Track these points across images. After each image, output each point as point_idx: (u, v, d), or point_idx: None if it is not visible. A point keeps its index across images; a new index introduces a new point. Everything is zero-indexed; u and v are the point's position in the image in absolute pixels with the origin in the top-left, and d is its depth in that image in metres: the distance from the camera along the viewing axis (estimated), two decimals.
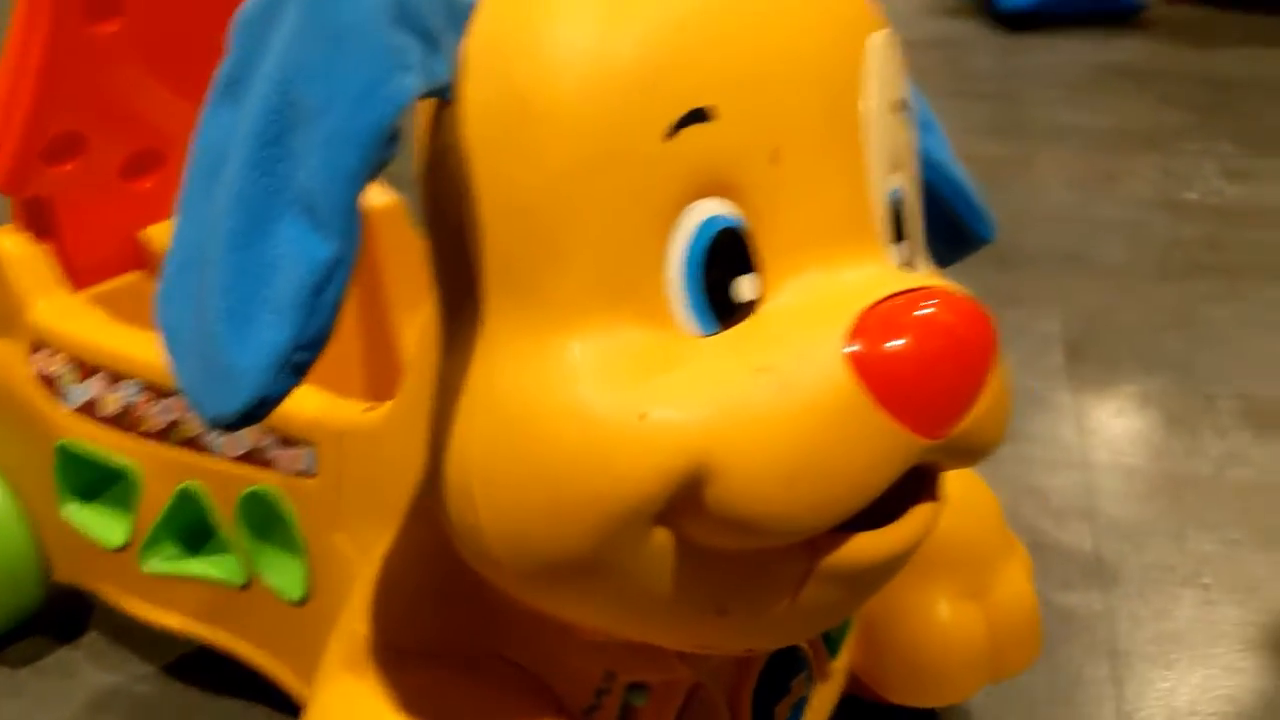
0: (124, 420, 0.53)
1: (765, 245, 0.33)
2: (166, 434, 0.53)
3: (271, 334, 0.31)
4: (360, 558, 0.45)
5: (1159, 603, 0.63)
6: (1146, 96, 1.41)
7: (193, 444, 0.52)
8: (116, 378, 0.53)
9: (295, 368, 0.31)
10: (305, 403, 0.48)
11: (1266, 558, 0.66)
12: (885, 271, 0.34)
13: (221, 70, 0.33)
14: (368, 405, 0.46)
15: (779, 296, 0.33)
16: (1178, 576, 0.65)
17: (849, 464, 0.31)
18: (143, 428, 0.53)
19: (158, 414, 0.53)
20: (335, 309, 0.31)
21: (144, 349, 0.53)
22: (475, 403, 0.33)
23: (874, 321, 0.31)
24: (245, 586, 0.52)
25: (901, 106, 0.37)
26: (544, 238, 0.32)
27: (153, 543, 0.55)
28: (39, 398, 0.56)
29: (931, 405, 0.31)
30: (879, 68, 0.35)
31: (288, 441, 0.49)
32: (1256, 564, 0.66)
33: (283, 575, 0.52)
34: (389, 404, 0.44)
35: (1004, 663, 0.51)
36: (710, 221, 0.32)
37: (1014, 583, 0.50)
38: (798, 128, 0.33)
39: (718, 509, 0.31)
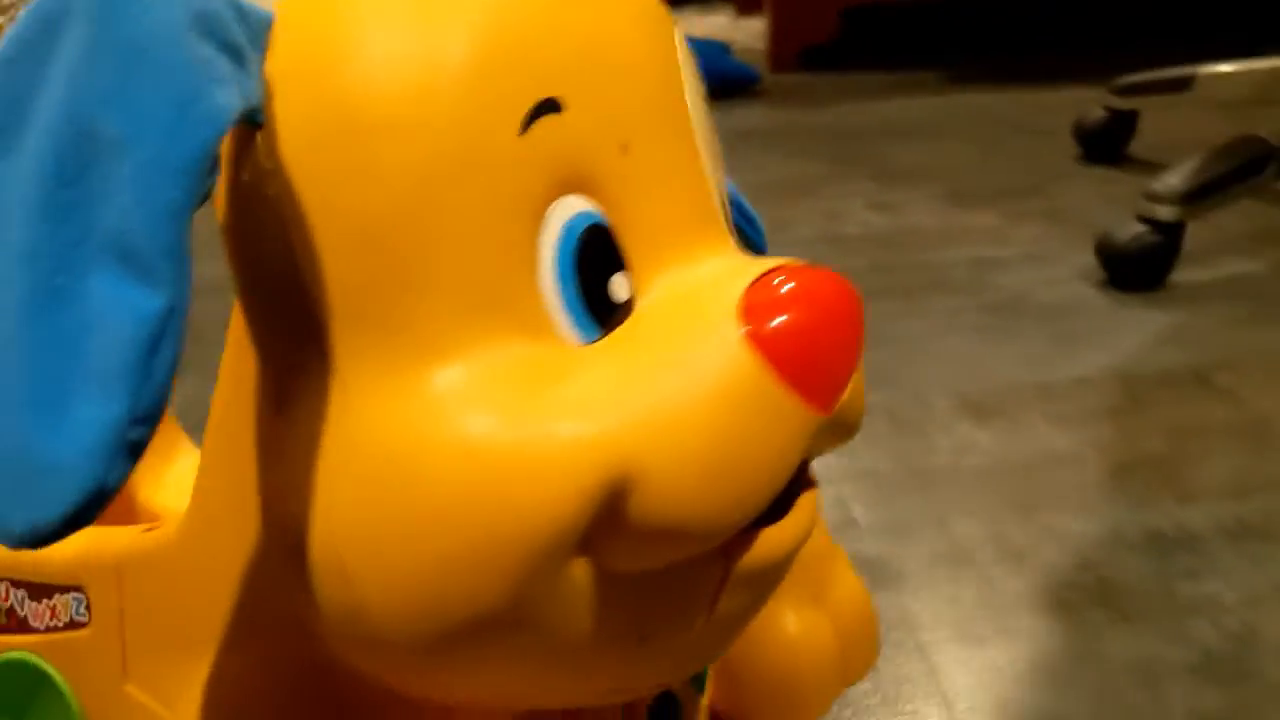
0: None
1: (628, 241, 0.31)
2: None
3: (97, 410, 0.25)
4: (164, 707, 0.39)
5: (946, 589, 0.66)
6: (782, 152, 1.53)
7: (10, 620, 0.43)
8: None
9: (132, 448, 0.25)
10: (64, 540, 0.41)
11: (1022, 529, 0.71)
12: (743, 258, 0.33)
13: None
14: (145, 525, 0.40)
15: (650, 293, 0.31)
16: (954, 561, 0.68)
17: (762, 450, 0.29)
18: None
19: None
20: (172, 371, 0.26)
21: None
22: (334, 463, 0.29)
23: (759, 301, 0.30)
24: None
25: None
26: (396, 263, 0.28)
27: None
28: None
29: (825, 376, 0.31)
30: (687, 62, 0.35)
31: (42, 592, 0.41)
32: (1016, 536, 0.70)
33: None
34: (176, 516, 0.38)
35: (851, 666, 0.50)
36: (577, 219, 0.30)
37: (847, 579, 0.50)
38: (641, 118, 0.31)
39: (641, 521, 0.28)
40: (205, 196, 0.26)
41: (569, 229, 0.30)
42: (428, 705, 0.35)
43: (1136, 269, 1.01)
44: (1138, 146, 1.42)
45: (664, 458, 0.28)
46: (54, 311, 0.26)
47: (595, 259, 0.31)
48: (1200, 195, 1.01)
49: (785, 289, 0.31)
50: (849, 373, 0.32)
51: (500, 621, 0.29)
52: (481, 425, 0.28)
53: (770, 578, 0.33)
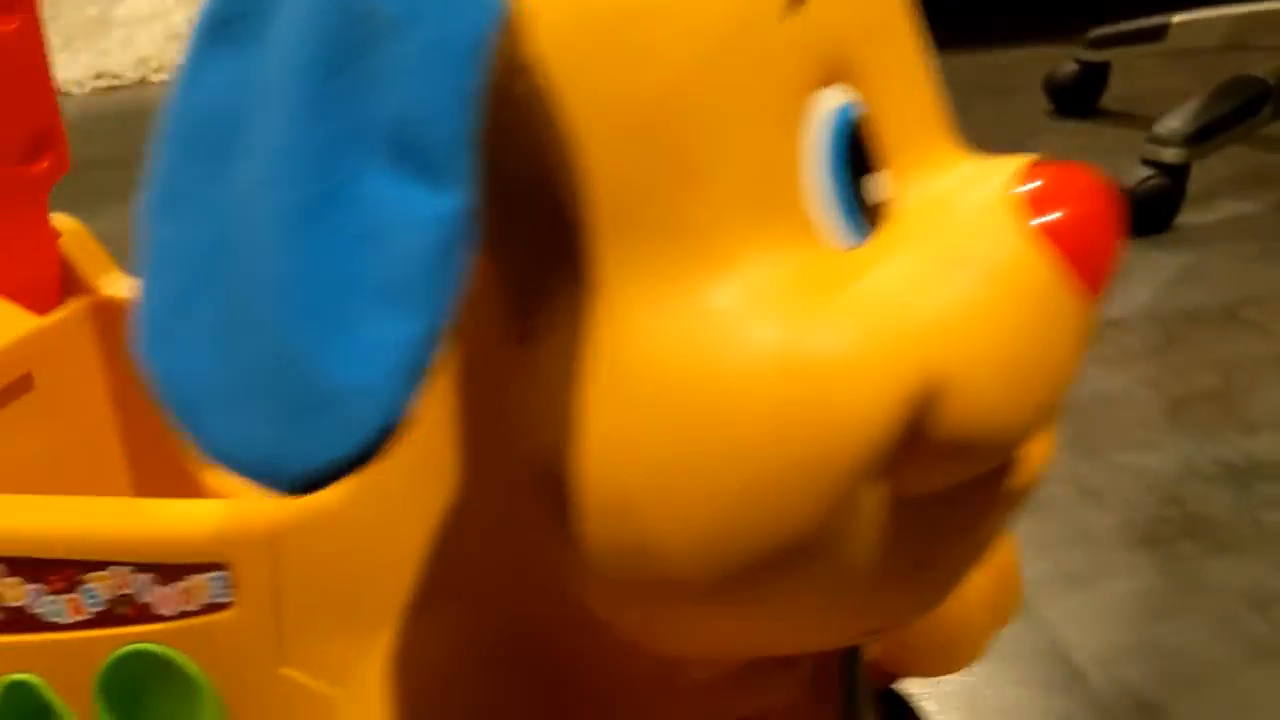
0: None
1: (886, 137, 0.29)
2: None
3: (389, 328, 0.22)
4: (335, 688, 0.35)
5: (1035, 533, 0.64)
6: None
7: (18, 623, 0.39)
8: None
9: (423, 372, 0.22)
10: (192, 514, 0.37)
11: (1095, 469, 0.70)
12: (992, 157, 0.31)
13: (208, 10, 0.24)
14: None
15: (907, 192, 0.29)
16: (1035, 505, 0.67)
17: (1057, 350, 0.27)
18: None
19: None
20: (461, 283, 0.23)
21: None
22: (606, 391, 0.26)
23: (1041, 195, 0.28)
24: None
25: None
26: (673, 155, 0.25)
27: None
28: None
29: (1103, 270, 0.29)
30: None
31: (172, 574, 0.38)
32: (1091, 476, 0.69)
33: None
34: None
35: (1001, 608, 0.49)
36: (841, 111, 0.27)
37: None
38: (885, 10, 0.29)
39: (943, 433, 0.26)
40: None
41: (834, 122, 0.27)
42: (641, 670, 0.32)
43: (1145, 213, 1.01)
44: (1108, 99, 1.44)
45: (966, 363, 0.26)
46: (327, 218, 0.22)
47: (855, 156, 0.28)
48: (1203, 136, 1.02)
49: (1062, 183, 0.29)
50: (1115, 267, 0.30)
51: (799, 553, 0.26)
52: (781, 335, 0.25)
53: (1028, 496, 0.32)
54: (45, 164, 0.51)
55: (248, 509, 0.37)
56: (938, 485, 0.27)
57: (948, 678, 0.53)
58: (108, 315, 0.55)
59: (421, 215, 0.22)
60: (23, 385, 0.50)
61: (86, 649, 0.38)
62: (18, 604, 0.39)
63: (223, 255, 0.23)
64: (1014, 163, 0.30)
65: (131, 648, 0.38)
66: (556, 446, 0.26)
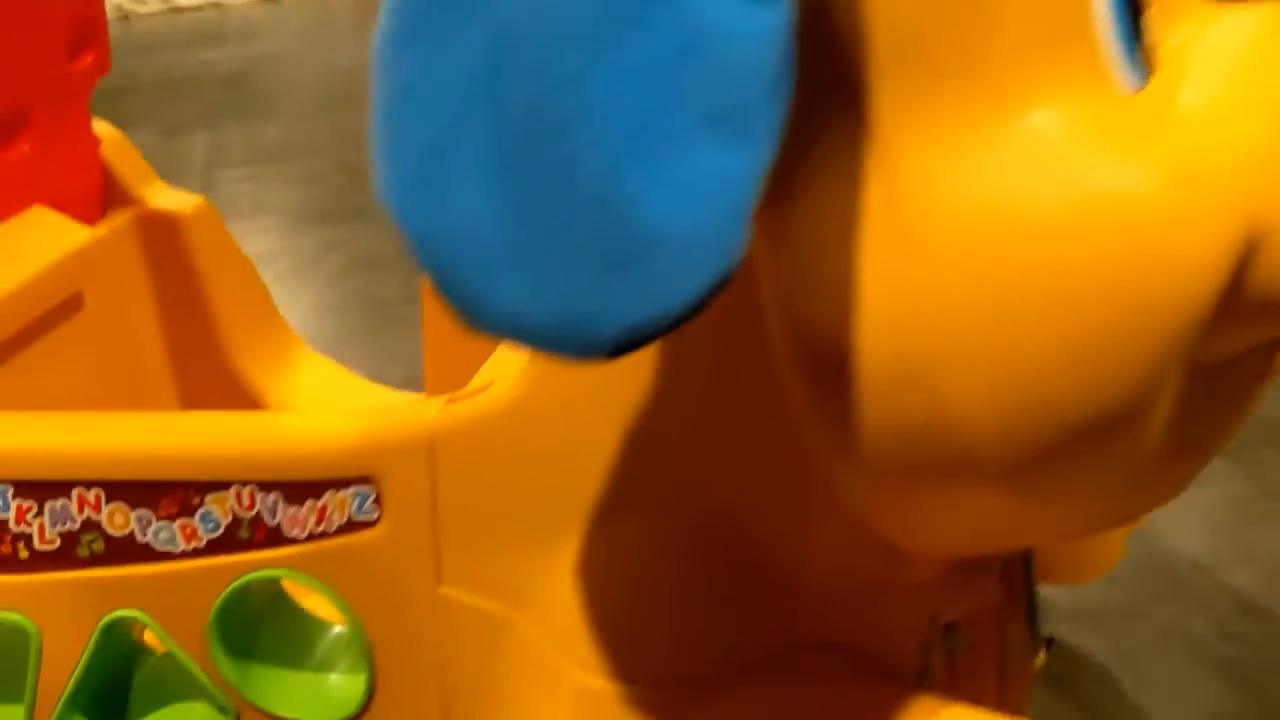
0: None
1: None
2: (68, 553, 0.35)
3: (720, 159, 0.19)
4: (506, 607, 0.32)
5: None
6: None
7: (119, 554, 0.35)
8: None
9: (753, 212, 0.19)
10: (333, 426, 0.34)
11: None
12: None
13: None
14: (452, 395, 0.33)
15: (1168, 36, 0.26)
16: None
17: None
18: (24, 555, 0.35)
19: (51, 525, 0.35)
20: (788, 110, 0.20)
21: (6, 429, 0.36)
22: (896, 242, 0.23)
23: None
24: None
25: None
26: None
27: None
28: None
29: None
30: None
31: (305, 492, 0.34)
32: None
33: (313, 693, 0.37)
34: (517, 370, 0.31)
35: None
36: None
37: None
38: None
39: (1266, 286, 0.24)
40: None
41: None
42: (854, 574, 0.30)
43: None
44: None
45: None
46: (640, 29, 0.19)
47: None
48: None
49: None
50: None
51: (1113, 425, 0.23)
52: (1100, 176, 0.22)
53: None
54: (88, 60, 0.46)
55: (397, 417, 0.33)
56: (1238, 348, 0.25)
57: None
58: (153, 229, 0.51)
59: (750, 27, 0.19)
60: (73, 304, 0.46)
61: (201, 579, 0.35)
62: (122, 533, 0.35)
63: (496, 83, 0.20)
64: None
65: (253, 575, 0.35)
66: (827, 313, 0.24)
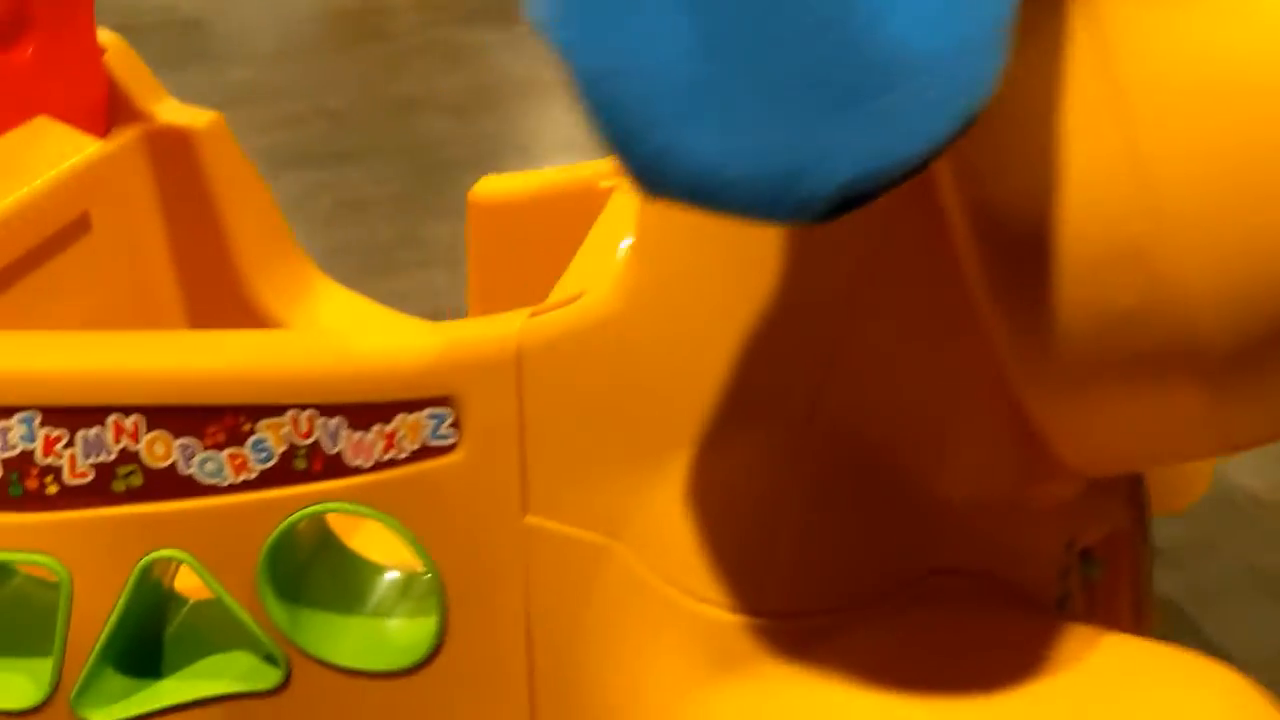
0: (12, 489, 0.32)
1: None
2: (102, 488, 0.32)
3: None
4: (603, 536, 0.29)
5: None
6: None
7: (160, 488, 0.32)
8: None
9: (1009, 37, 0.17)
10: (405, 343, 0.31)
11: None
12: None
13: None
14: (535, 308, 0.30)
15: None
16: None
17: None
18: (53, 490, 0.32)
19: (83, 456, 0.32)
20: None
21: (32, 350, 0.33)
22: (1112, 106, 0.20)
23: None
24: (281, 686, 0.33)
25: None
26: None
27: (96, 676, 0.33)
28: None
29: None
30: None
31: (373, 415, 0.31)
32: None
33: (371, 640, 0.34)
34: (613, 276, 0.28)
35: None
36: None
37: None
38: None
39: None
40: None
41: None
42: (991, 494, 0.27)
43: None
44: None
45: None
46: None
47: None
48: None
49: None
50: None
51: None
52: None
53: None
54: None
55: (479, 331, 0.30)
56: None
57: None
58: (163, 145, 0.46)
59: None
60: (80, 226, 0.42)
61: (251, 515, 0.32)
62: (163, 464, 0.32)
63: None
64: None
65: (310, 510, 0.32)
66: (1027, 188, 0.21)
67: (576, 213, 0.40)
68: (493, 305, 0.36)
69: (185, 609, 0.36)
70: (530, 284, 0.39)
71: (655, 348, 0.28)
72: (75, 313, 0.42)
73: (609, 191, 0.38)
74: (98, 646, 0.33)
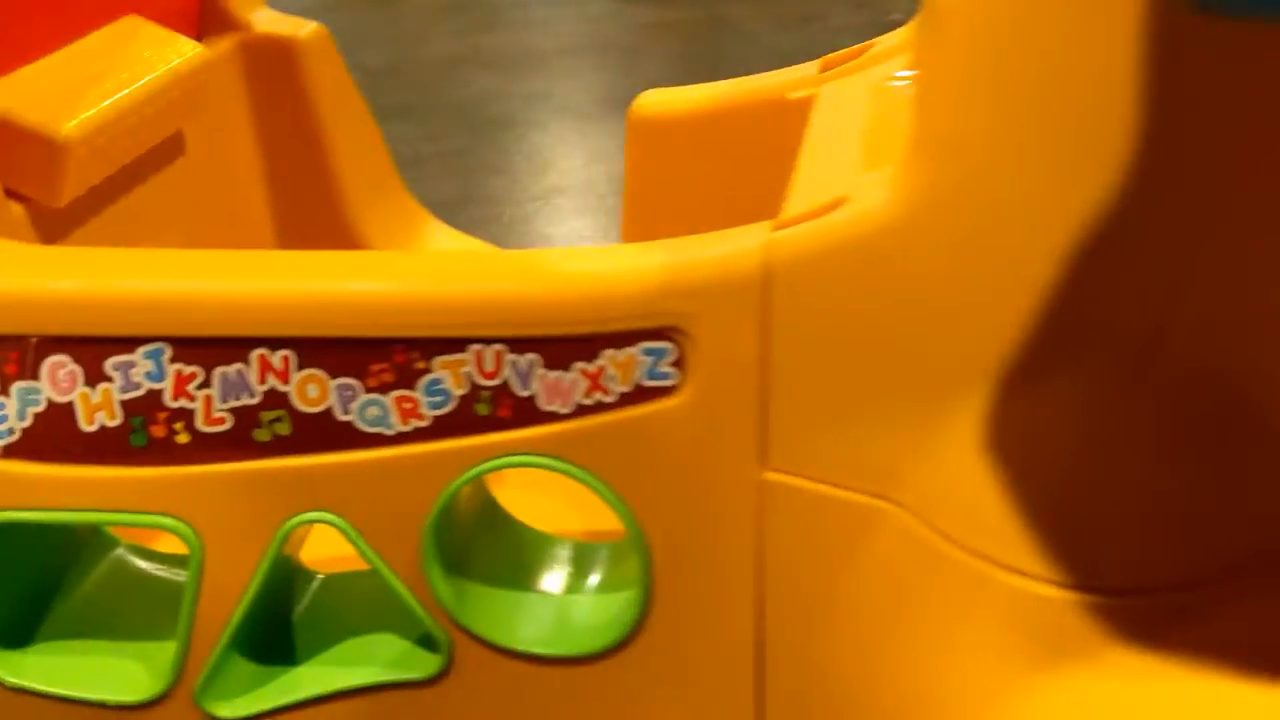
0: (135, 438, 0.26)
1: None
2: (242, 437, 0.27)
3: None
4: (872, 495, 0.24)
5: None
6: None
7: (312, 437, 0.27)
8: (99, 352, 0.26)
9: None
10: (619, 263, 0.26)
11: None
12: None
13: None
14: (808, 211, 0.25)
15: None
16: None
17: None
18: (183, 440, 0.27)
19: (221, 398, 0.27)
20: None
21: (163, 269, 0.27)
22: None
23: None
24: (441, 674, 0.28)
25: None
26: None
27: (225, 663, 0.28)
28: None
29: None
30: None
31: (576, 352, 0.26)
32: None
33: (554, 620, 0.29)
34: (883, 183, 0.23)
35: None
36: None
37: None
38: None
39: None
40: None
41: None
42: None
43: None
44: None
45: None
46: None
47: None
48: None
49: None
50: None
51: None
52: None
53: None
54: None
55: (710, 249, 0.25)
56: None
57: None
58: (261, 57, 0.41)
59: None
60: (174, 148, 0.37)
61: (419, 471, 0.27)
62: (316, 409, 0.27)
63: None
64: None
65: (493, 465, 0.27)
66: None
67: (751, 127, 0.35)
68: (653, 230, 0.31)
69: (315, 585, 0.31)
70: (699, 205, 0.34)
71: (946, 265, 0.23)
72: (167, 243, 0.36)
73: (802, 102, 0.33)
74: (229, 628, 0.28)
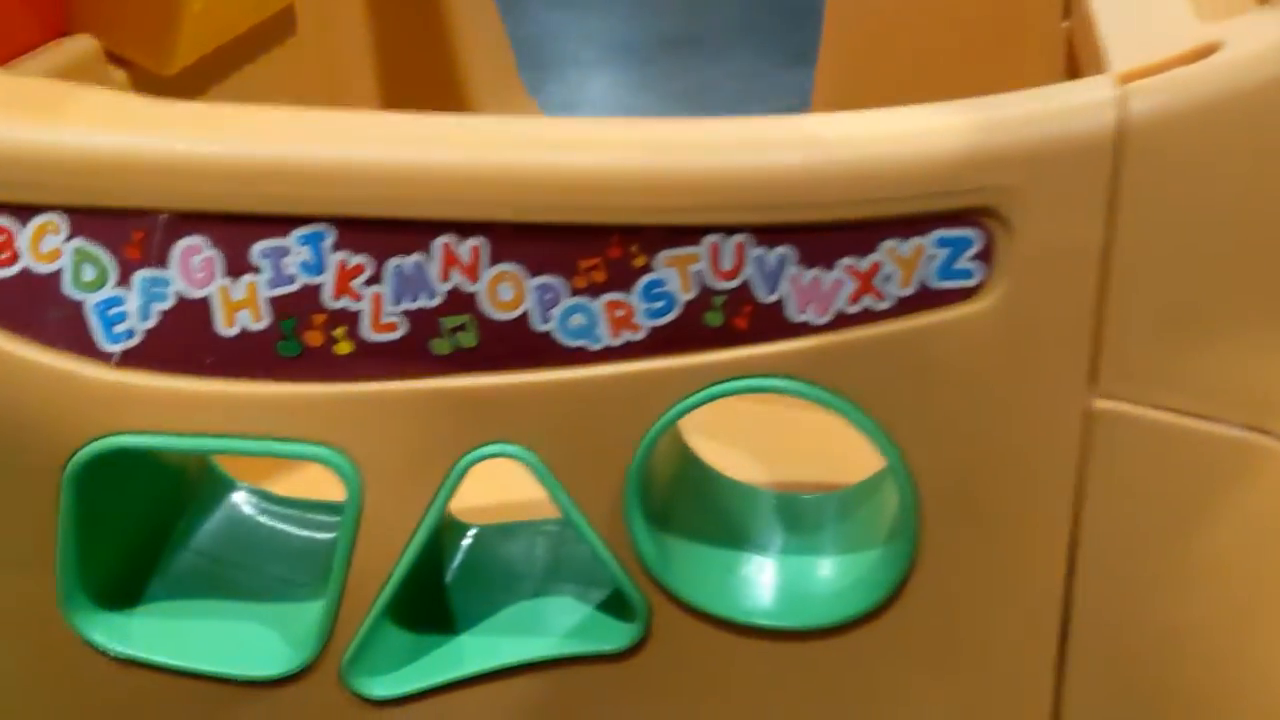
0: (284, 346, 0.21)
1: None
2: (417, 347, 0.22)
3: None
4: (1238, 423, 0.19)
5: None
6: None
7: (496, 350, 0.22)
8: (245, 234, 0.20)
9: None
10: (911, 123, 0.21)
11: None
12: None
13: None
14: (1170, 59, 0.19)
15: None
16: None
17: None
18: (345, 350, 0.22)
19: (394, 298, 0.21)
20: None
21: (325, 133, 0.21)
22: None
23: None
24: (637, 646, 0.23)
25: None
26: None
27: (377, 631, 0.23)
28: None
29: None
30: None
31: (835, 244, 0.21)
32: None
33: (784, 583, 0.24)
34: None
35: None
36: None
37: None
38: None
39: None
40: None
41: None
42: None
43: None
44: None
45: None
46: None
47: None
48: None
49: None
50: None
51: None
52: None
53: None
54: None
55: (1042, 106, 0.20)
56: None
57: None
58: None
59: None
60: (283, 25, 0.32)
61: (629, 398, 0.21)
62: (509, 315, 0.22)
63: None
64: None
65: (724, 388, 0.22)
66: None
67: None
68: (850, 100, 0.26)
69: (469, 538, 0.26)
70: (904, 74, 0.29)
71: None
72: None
73: None
74: (389, 586, 0.23)
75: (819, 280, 0.21)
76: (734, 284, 0.21)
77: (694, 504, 0.25)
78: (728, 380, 0.21)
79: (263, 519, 0.25)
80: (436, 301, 0.21)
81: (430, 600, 0.25)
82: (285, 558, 0.24)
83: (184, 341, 0.21)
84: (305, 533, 0.25)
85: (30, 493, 0.21)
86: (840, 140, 0.20)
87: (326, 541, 0.25)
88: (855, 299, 0.21)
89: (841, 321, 0.21)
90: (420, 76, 0.36)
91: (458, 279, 0.21)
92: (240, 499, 0.26)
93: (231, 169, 0.20)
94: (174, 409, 0.21)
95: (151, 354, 0.21)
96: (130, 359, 0.21)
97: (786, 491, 0.26)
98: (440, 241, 0.21)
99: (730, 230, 0.21)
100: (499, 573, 0.26)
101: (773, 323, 0.21)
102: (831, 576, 0.23)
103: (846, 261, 0.20)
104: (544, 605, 0.25)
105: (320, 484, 0.27)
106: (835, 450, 0.27)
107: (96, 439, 0.21)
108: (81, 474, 0.21)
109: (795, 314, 0.21)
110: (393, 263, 0.21)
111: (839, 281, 0.21)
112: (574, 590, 0.25)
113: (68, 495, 0.21)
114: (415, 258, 0.21)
